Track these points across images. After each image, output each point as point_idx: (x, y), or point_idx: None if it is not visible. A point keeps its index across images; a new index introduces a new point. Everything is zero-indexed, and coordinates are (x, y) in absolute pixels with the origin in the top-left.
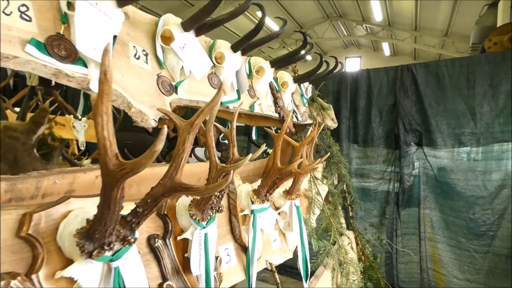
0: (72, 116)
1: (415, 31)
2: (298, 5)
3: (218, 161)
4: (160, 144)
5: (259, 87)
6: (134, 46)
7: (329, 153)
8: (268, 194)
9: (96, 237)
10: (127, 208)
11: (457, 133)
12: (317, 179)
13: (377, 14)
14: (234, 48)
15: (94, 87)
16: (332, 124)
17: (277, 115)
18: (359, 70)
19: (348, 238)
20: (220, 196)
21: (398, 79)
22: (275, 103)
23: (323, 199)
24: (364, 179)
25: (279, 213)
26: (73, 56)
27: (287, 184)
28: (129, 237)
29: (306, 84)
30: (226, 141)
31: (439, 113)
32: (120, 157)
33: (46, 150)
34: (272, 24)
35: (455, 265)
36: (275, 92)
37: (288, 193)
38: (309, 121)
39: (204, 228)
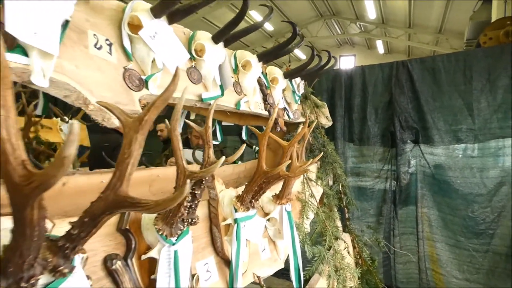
0: (59, 118)
1: (409, 29)
2: (291, 3)
3: (186, 165)
4: (69, 148)
5: (246, 82)
6: (94, 35)
7: (322, 153)
8: (253, 200)
9: (10, 271)
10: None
11: (454, 129)
12: (311, 180)
13: (371, 11)
14: (216, 39)
15: (36, 79)
16: (327, 122)
17: (266, 113)
18: (353, 67)
19: (345, 242)
20: (192, 206)
21: (393, 75)
22: (265, 100)
23: (318, 201)
24: (360, 178)
25: (268, 220)
26: (10, 43)
27: (277, 187)
28: (62, 267)
29: (298, 80)
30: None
31: (436, 109)
32: (29, 165)
33: (33, 154)
34: (266, 24)
35: (454, 265)
36: (264, 89)
37: (278, 197)
38: (301, 119)
39: (173, 244)
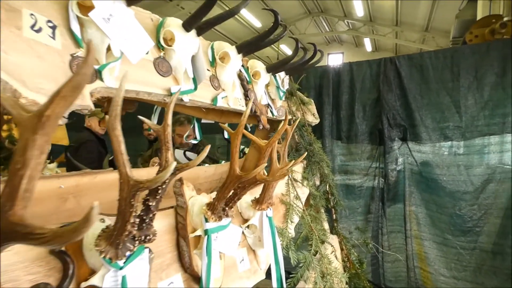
0: None
1: (396, 26)
2: (280, 0)
3: (130, 174)
4: None
5: (224, 76)
6: (32, 15)
7: (306, 153)
8: (227, 208)
9: None
10: None
11: (441, 127)
12: (296, 181)
13: (359, 9)
14: (187, 26)
15: None
16: (314, 119)
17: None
18: (341, 64)
19: (332, 246)
20: (146, 220)
21: (381, 72)
22: (246, 96)
23: (303, 203)
24: (349, 176)
25: (247, 227)
26: None
27: (258, 190)
28: None
29: (282, 75)
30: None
31: (424, 106)
32: None
33: (4, 154)
34: (254, 20)
35: (442, 263)
36: (245, 84)
37: (257, 202)
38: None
39: (121, 269)
